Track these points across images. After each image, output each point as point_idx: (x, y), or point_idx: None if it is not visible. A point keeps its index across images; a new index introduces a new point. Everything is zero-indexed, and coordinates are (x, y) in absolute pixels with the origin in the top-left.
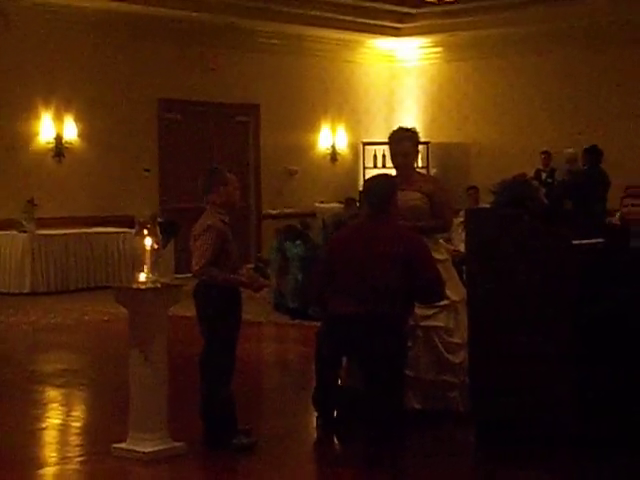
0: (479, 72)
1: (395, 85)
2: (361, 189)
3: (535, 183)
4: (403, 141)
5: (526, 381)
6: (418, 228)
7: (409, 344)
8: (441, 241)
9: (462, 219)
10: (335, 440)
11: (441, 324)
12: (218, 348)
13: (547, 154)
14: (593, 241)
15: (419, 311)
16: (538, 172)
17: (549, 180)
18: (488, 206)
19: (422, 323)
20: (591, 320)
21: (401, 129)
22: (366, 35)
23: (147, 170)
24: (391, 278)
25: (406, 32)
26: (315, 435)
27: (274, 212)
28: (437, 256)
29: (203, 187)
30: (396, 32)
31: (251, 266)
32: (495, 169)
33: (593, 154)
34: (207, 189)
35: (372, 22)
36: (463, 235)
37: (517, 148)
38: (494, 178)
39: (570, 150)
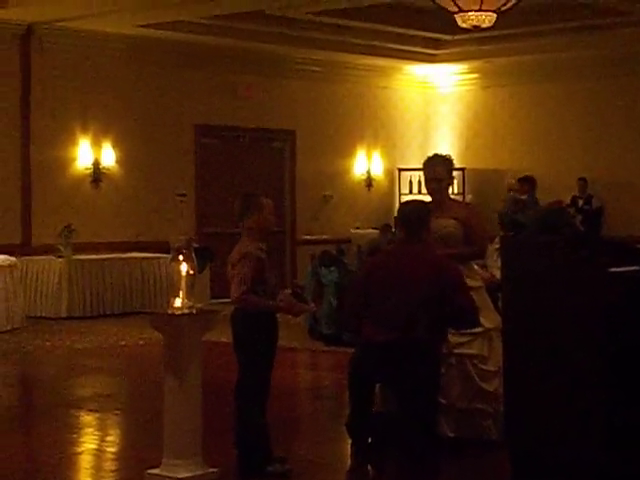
0: (515, 98)
1: (430, 111)
2: (396, 215)
3: (571, 210)
4: (436, 166)
5: (560, 411)
6: (453, 255)
7: (442, 371)
8: (476, 267)
9: (497, 245)
10: (369, 467)
11: (475, 352)
12: (254, 374)
13: (584, 181)
14: (631, 269)
15: (453, 338)
16: (574, 199)
17: (586, 207)
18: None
19: (456, 351)
20: (625, 349)
21: (436, 155)
22: (402, 61)
23: (182, 195)
24: (425, 305)
25: (442, 58)
26: (349, 462)
27: (309, 238)
28: (471, 283)
29: (239, 212)
30: (432, 58)
31: (289, 291)
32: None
33: (530, 183)
34: (242, 214)
35: (408, 48)
36: (499, 262)
37: (553, 174)
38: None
39: (512, 181)
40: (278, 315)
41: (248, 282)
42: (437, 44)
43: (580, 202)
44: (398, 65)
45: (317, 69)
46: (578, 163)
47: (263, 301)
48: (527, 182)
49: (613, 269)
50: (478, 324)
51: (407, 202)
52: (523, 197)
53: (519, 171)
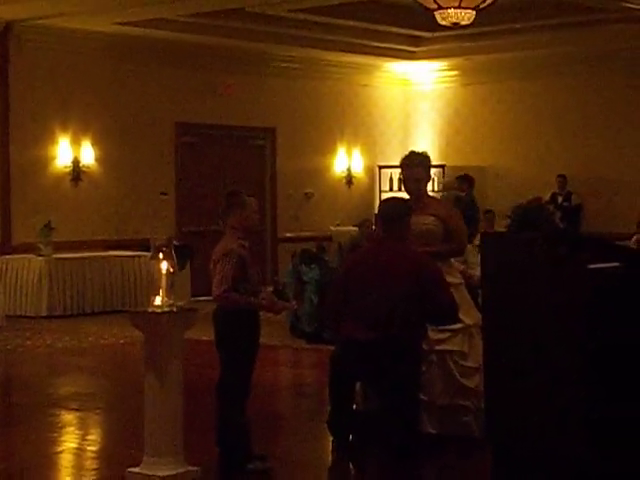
0: (495, 96)
1: (411, 108)
2: (376, 212)
3: (550, 207)
4: (415, 167)
5: (540, 407)
6: (432, 253)
7: (423, 368)
8: (456, 264)
9: (478, 242)
10: (350, 465)
11: (455, 348)
12: (235, 372)
13: (563, 178)
14: (610, 265)
15: (433, 335)
16: (554, 195)
17: (565, 204)
18: (503, 230)
19: (436, 347)
20: (605, 346)
21: (413, 153)
22: (381, 59)
23: (164, 193)
24: (404, 302)
25: (421, 56)
26: (330, 459)
27: (290, 235)
28: (450, 279)
29: (222, 210)
30: (411, 55)
31: (271, 289)
32: (511, 193)
33: (469, 181)
34: (226, 212)
35: (387, 46)
36: (478, 258)
37: (533, 171)
38: (510, 202)
39: (451, 179)
40: (260, 313)
41: (230, 280)
42: (417, 41)
43: (559, 199)
44: (378, 62)
45: (297, 66)
46: (557, 160)
47: (245, 298)
48: (466, 181)
49: (593, 266)
50: (458, 320)
51: (387, 199)
52: (461, 194)
53: (498, 168)
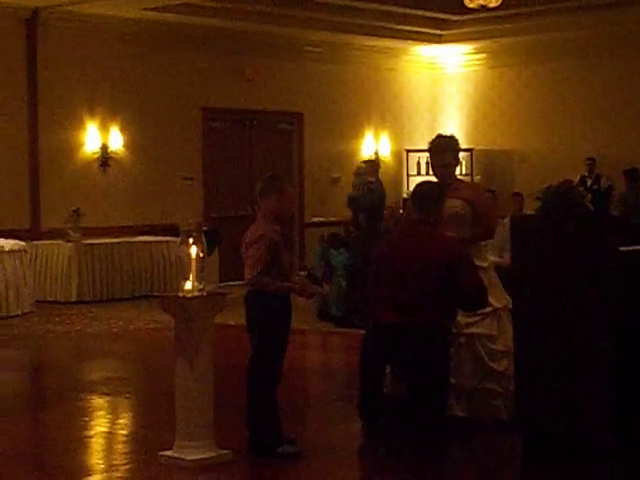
0: (522, 78)
1: (438, 92)
2: (405, 196)
3: (581, 189)
4: (443, 152)
5: (570, 390)
6: (463, 240)
7: (452, 351)
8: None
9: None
10: (380, 448)
11: (484, 331)
12: (266, 357)
13: (592, 160)
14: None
15: (462, 319)
16: (583, 178)
17: (595, 186)
18: (533, 213)
19: (465, 331)
20: (636, 328)
21: (441, 138)
22: (409, 42)
23: (189, 178)
24: (433, 285)
25: (449, 39)
26: (360, 443)
27: (318, 220)
28: (480, 263)
29: (259, 192)
30: (439, 39)
31: (304, 274)
32: (539, 176)
33: (376, 165)
34: (263, 195)
35: (414, 29)
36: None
37: (561, 154)
38: (538, 185)
39: (362, 164)
40: (292, 298)
41: (262, 264)
42: (444, 25)
43: (589, 182)
44: (405, 46)
45: (324, 51)
46: (585, 143)
47: (277, 282)
48: (373, 165)
49: (623, 248)
50: (486, 305)
51: (421, 183)
52: (372, 179)
53: (526, 151)
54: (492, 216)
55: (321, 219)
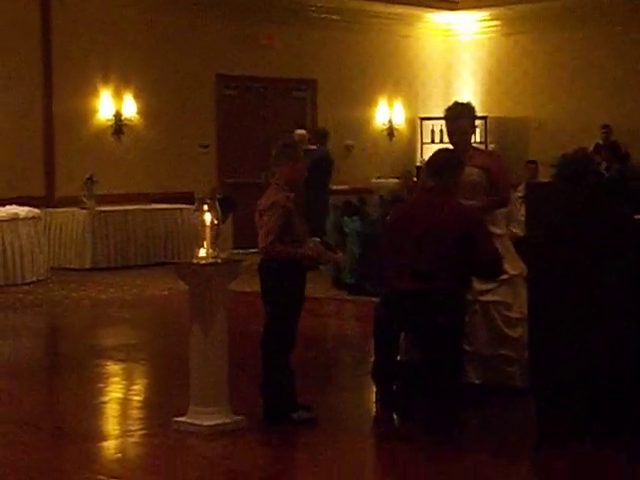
0: (537, 45)
1: (452, 59)
2: (419, 164)
3: (597, 157)
4: (460, 119)
5: (585, 357)
6: (479, 208)
7: (467, 319)
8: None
9: (521, 194)
10: (394, 415)
11: (499, 299)
12: (281, 324)
13: (607, 128)
14: None
15: (477, 286)
16: (598, 146)
17: (611, 154)
18: (547, 180)
19: (481, 298)
20: None
21: (457, 104)
22: (423, 9)
23: (205, 146)
24: (448, 253)
25: (463, 5)
26: (374, 410)
27: (331, 188)
28: (495, 230)
29: (274, 157)
30: (453, 6)
31: (318, 239)
32: (554, 143)
33: (324, 135)
34: (276, 161)
35: None
36: (522, 210)
37: (576, 122)
38: (553, 152)
39: (299, 131)
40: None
41: (276, 231)
42: None
43: (604, 150)
44: (419, 13)
45: (338, 18)
46: (600, 110)
47: (292, 249)
48: (319, 135)
49: (638, 216)
50: (502, 273)
51: (438, 151)
52: (312, 147)
53: (541, 119)
54: (508, 184)
55: (334, 187)
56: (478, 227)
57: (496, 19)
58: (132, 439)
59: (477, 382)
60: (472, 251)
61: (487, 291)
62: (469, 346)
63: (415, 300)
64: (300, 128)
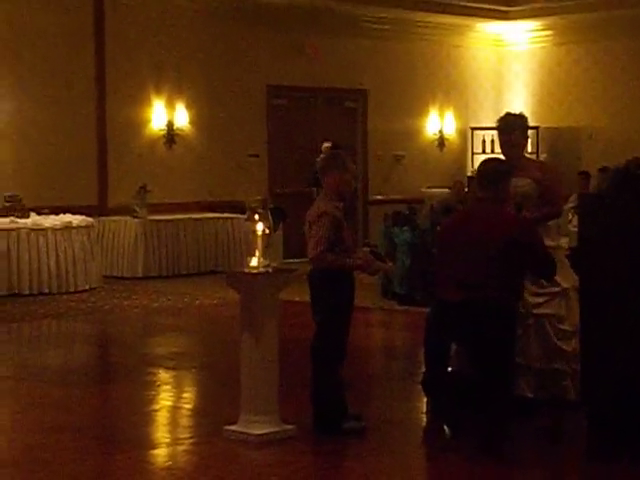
0: (590, 55)
1: (503, 69)
2: (469, 174)
3: None
4: (512, 131)
5: (637, 371)
6: (530, 219)
7: (520, 332)
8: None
9: (572, 204)
10: (444, 426)
11: (553, 312)
12: (330, 333)
13: None
14: None
15: (531, 299)
16: None
17: None
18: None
19: (534, 311)
20: None
21: (509, 116)
22: (474, 19)
23: (255, 155)
24: (497, 262)
25: (514, 15)
26: (425, 420)
27: (381, 198)
28: (549, 243)
29: (321, 169)
30: (504, 15)
31: (367, 249)
32: (607, 154)
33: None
34: (324, 172)
35: (480, 6)
36: (574, 220)
37: (629, 132)
38: (605, 163)
39: (326, 144)
40: (356, 275)
41: (326, 241)
42: (510, 1)
43: None
44: (470, 23)
45: (388, 27)
46: None
47: (341, 259)
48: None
49: None
50: (555, 273)
51: (488, 160)
52: None
53: (594, 128)
54: (560, 195)
55: (384, 197)
56: (530, 234)
57: (547, 29)
58: (182, 447)
59: (530, 396)
60: (525, 258)
61: (540, 304)
62: (523, 360)
63: (464, 311)
64: (326, 141)
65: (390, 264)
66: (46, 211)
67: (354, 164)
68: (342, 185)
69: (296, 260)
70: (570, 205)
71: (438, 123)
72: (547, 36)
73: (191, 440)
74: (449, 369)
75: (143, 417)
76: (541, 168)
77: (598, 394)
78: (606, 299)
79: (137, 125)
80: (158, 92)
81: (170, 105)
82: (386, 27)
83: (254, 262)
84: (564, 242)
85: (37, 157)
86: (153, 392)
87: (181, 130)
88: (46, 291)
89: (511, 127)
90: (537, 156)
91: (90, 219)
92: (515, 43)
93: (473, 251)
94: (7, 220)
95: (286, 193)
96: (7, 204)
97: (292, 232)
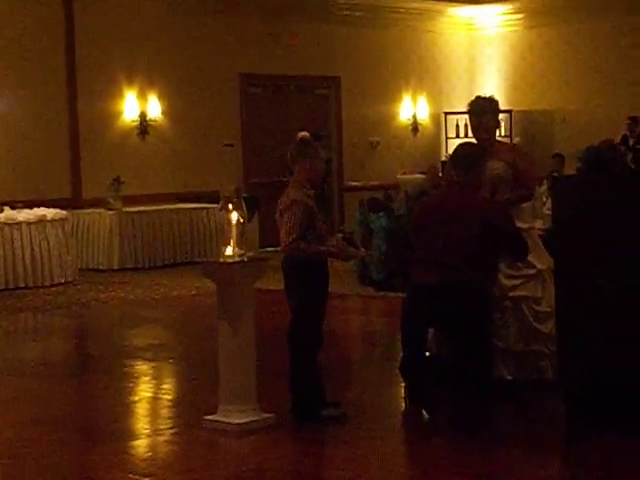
0: (561, 38)
1: (476, 53)
2: (443, 159)
3: (622, 148)
4: (484, 115)
5: (612, 350)
6: (503, 202)
7: (497, 315)
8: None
9: (546, 187)
10: (423, 410)
11: (529, 294)
12: (306, 321)
13: (634, 120)
14: None
15: (506, 282)
16: (625, 138)
17: (637, 146)
18: (573, 172)
19: (510, 294)
20: None
21: (480, 99)
22: (446, 4)
23: (230, 145)
24: (472, 247)
25: None
26: (403, 405)
27: (356, 184)
28: (520, 224)
29: (291, 157)
30: (475, 0)
31: (340, 236)
32: (579, 136)
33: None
34: (295, 160)
35: None
36: (548, 203)
37: (602, 114)
38: (578, 145)
39: (302, 133)
40: (329, 261)
41: (298, 229)
42: None
43: (631, 141)
44: (442, 8)
45: (361, 14)
46: (626, 102)
47: (314, 247)
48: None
49: None
50: (528, 252)
51: (462, 144)
52: None
53: (566, 111)
54: (533, 178)
55: (359, 183)
56: (500, 216)
57: (519, 12)
58: (162, 438)
59: (509, 378)
60: (497, 239)
61: (516, 286)
62: (501, 342)
63: (438, 294)
64: (302, 131)
65: (363, 250)
66: (20, 205)
67: (328, 150)
68: (313, 172)
69: (272, 249)
70: (544, 187)
71: (411, 108)
72: (518, 19)
73: (171, 430)
74: (427, 353)
75: (122, 409)
76: (513, 150)
77: (573, 374)
78: (580, 280)
79: (110, 117)
80: (130, 83)
81: (142, 96)
82: (358, 13)
83: (229, 251)
84: (538, 224)
85: (9, 151)
86: (132, 384)
87: (154, 121)
88: (22, 285)
89: (482, 110)
90: (511, 139)
91: (64, 212)
92: (487, 27)
93: (445, 234)
94: None
95: (262, 182)
96: None
97: (268, 221)
